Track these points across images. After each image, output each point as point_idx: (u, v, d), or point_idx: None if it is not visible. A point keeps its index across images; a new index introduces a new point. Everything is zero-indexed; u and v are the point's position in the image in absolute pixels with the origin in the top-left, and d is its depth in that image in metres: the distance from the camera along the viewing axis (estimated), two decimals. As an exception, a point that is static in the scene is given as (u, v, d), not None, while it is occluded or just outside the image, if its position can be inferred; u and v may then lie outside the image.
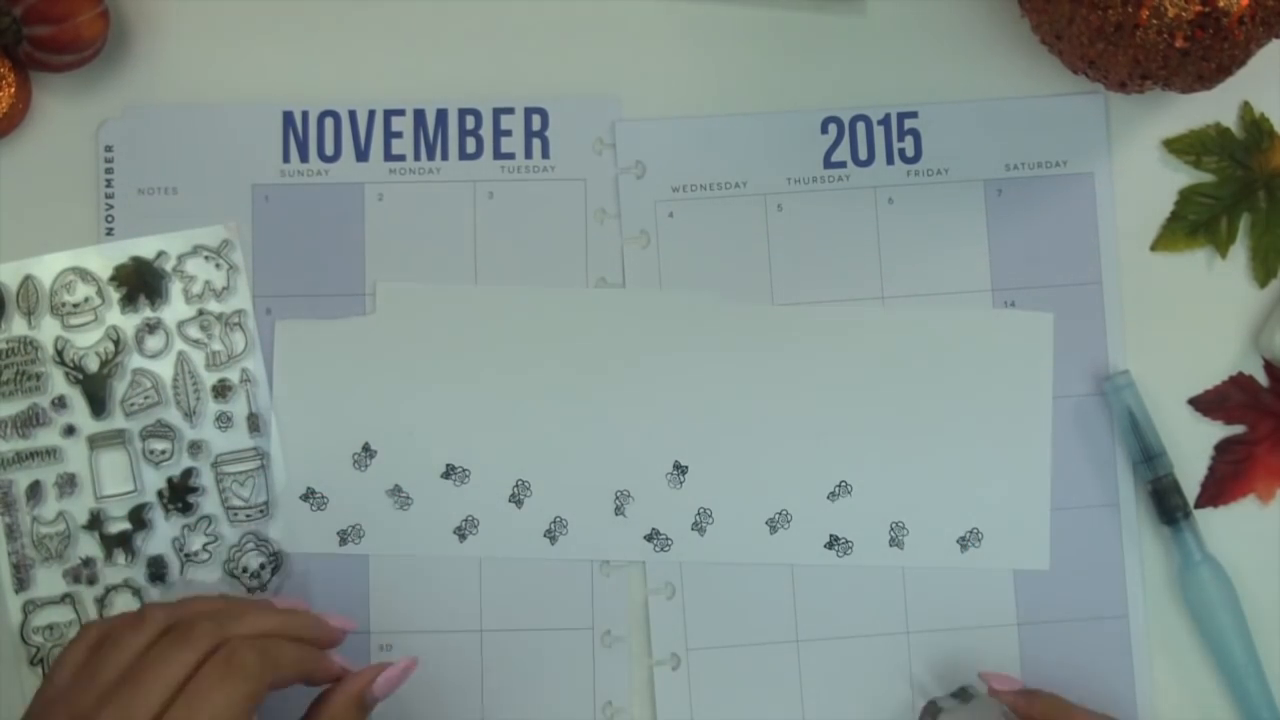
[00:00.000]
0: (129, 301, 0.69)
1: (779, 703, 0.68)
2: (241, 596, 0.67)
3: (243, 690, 0.53)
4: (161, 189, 0.69)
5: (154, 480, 0.68)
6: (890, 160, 0.70)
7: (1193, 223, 0.70)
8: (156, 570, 0.68)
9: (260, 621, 0.57)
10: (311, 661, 0.58)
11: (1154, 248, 0.70)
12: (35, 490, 0.68)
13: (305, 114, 0.70)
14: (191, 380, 0.69)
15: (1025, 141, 0.70)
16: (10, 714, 0.68)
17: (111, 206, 0.69)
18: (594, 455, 0.69)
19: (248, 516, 0.68)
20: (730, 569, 0.69)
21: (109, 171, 0.69)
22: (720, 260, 0.70)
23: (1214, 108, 0.70)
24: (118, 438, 0.68)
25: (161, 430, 0.68)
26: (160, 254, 0.69)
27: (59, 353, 0.68)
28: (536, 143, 0.70)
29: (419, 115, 0.70)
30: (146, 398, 0.69)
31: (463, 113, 0.70)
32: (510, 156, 0.70)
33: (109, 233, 0.69)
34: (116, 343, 0.69)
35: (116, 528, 0.68)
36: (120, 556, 0.68)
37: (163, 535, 0.68)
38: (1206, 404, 0.70)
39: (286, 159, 0.70)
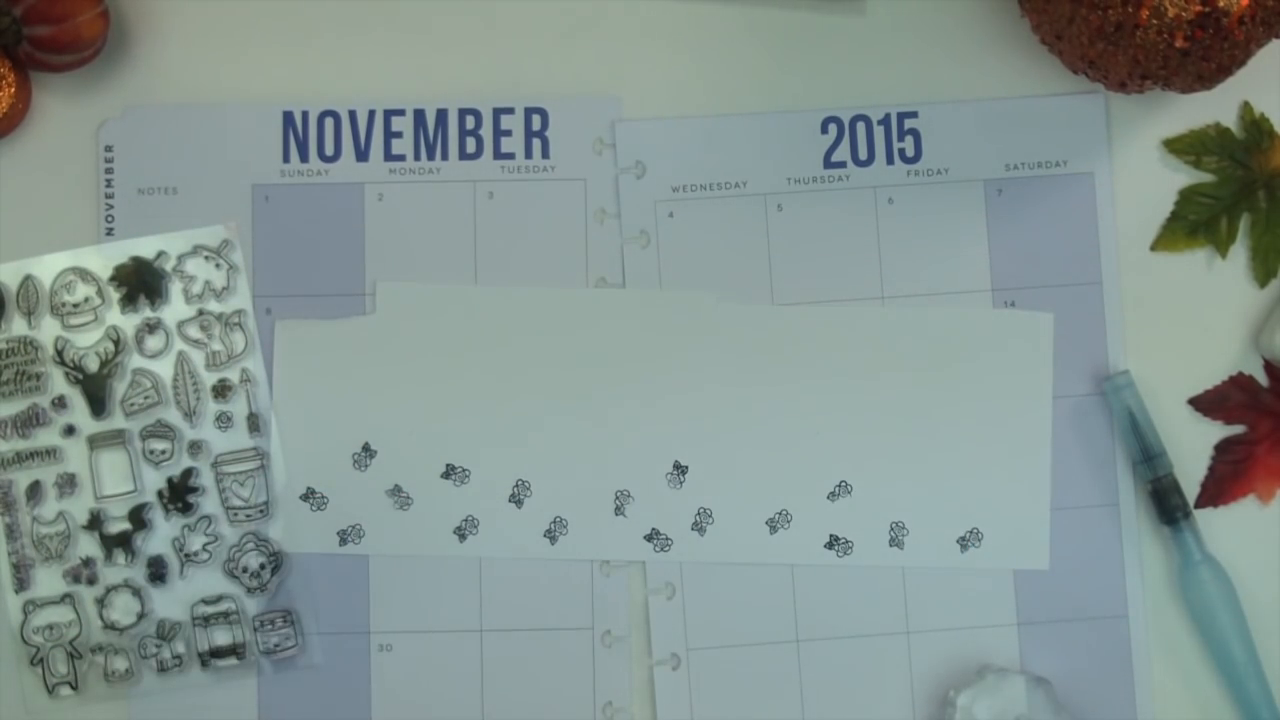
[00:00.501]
0: (129, 301, 0.69)
1: (779, 702, 0.68)
2: None
3: None
4: (161, 189, 0.69)
5: (154, 480, 0.68)
6: (890, 160, 0.70)
7: (1193, 223, 0.70)
8: (156, 570, 0.68)
9: None
10: None
11: (1154, 248, 0.70)
12: (35, 490, 0.68)
13: (305, 114, 0.70)
14: (191, 380, 0.69)
15: (1025, 141, 0.70)
16: (10, 714, 0.68)
17: (111, 206, 0.69)
18: (594, 455, 0.69)
19: (248, 516, 0.68)
20: (730, 569, 0.69)
21: (109, 171, 0.69)
22: (720, 260, 0.69)
23: (1214, 108, 0.70)
24: (118, 438, 0.68)
25: (161, 430, 0.68)
26: (160, 254, 0.69)
27: (59, 353, 0.68)
28: (536, 143, 0.70)
29: (419, 115, 0.70)
30: (146, 398, 0.69)
31: (463, 113, 0.70)
32: (510, 156, 0.70)
33: (109, 233, 0.69)
34: (116, 343, 0.69)
35: (116, 528, 0.68)
36: (120, 556, 0.68)
37: (163, 535, 0.68)
38: (1206, 404, 0.70)
39: (286, 159, 0.70)
